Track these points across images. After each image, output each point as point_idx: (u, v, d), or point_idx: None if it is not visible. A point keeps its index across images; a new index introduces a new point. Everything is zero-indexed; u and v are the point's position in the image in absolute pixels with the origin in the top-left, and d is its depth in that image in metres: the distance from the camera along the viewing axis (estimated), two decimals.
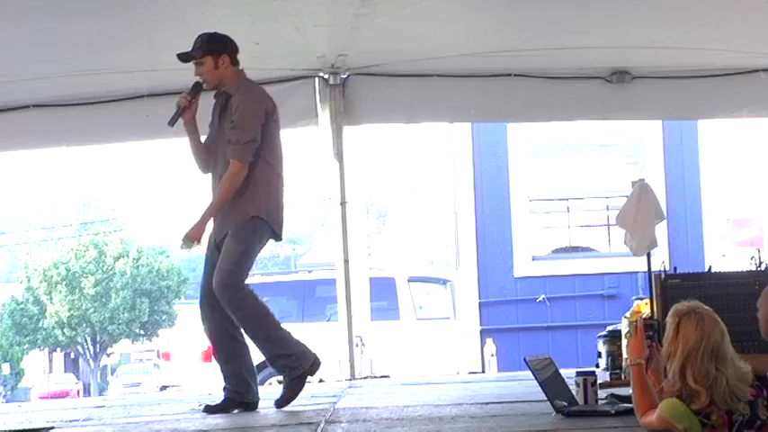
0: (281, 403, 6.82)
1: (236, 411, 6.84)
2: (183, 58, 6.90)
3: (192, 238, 6.79)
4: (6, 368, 45.64)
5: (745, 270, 8.07)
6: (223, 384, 6.98)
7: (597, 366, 8.88)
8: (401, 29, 8.69)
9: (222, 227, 6.89)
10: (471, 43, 9.25)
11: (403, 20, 8.42)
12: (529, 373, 6.11)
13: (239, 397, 6.90)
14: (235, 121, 6.80)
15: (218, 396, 7.12)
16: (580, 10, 8.52)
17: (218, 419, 6.64)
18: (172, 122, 6.93)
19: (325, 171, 10.31)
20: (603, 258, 14.92)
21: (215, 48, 6.85)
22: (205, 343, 15.48)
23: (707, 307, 4.58)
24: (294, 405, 6.84)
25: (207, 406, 6.92)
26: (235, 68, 6.90)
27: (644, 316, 8.36)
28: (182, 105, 6.91)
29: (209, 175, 7.03)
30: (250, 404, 6.92)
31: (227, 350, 6.92)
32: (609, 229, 14.87)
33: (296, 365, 6.86)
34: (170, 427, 6.32)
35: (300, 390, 6.87)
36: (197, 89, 6.95)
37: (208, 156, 7.00)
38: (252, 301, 6.82)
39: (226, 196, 6.81)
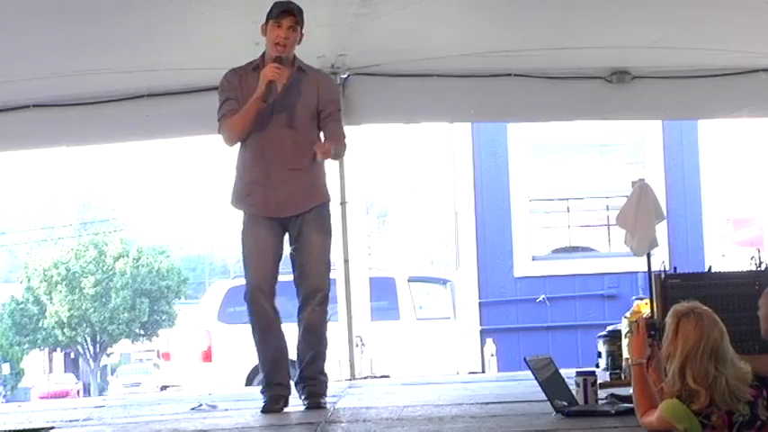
0: (318, 404, 6.71)
1: (286, 405, 6.73)
2: (294, 11, 6.55)
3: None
4: (6, 368, 45.64)
5: (745, 270, 8.06)
6: (267, 386, 6.76)
7: (597, 366, 8.88)
8: (401, 29, 8.69)
9: (288, 203, 6.66)
10: (471, 43, 9.25)
11: (403, 20, 8.42)
12: (529, 373, 6.11)
13: (285, 390, 6.77)
14: (337, 103, 6.89)
15: (218, 397, 7.11)
16: (580, 10, 8.51)
17: (217, 419, 6.64)
18: (270, 98, 6.54)
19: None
20: (603, 258, 14.93)
21: (303, 23, 6.66)
22: (205, 343, 15.61)
23: (706, 307, 4.59)
24: (294, 405, 6.83)
25: (263, 407, 6.67)
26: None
27: (644, 316, 8.36)
28: (276, 78, 6.52)
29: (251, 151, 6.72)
30: (288, 396, 6.80)
31: (279, 343, 6.75)
32: (609, 229, 14.88)
33: (324, 390, 6.84)
34: (170, 427, 6.31)
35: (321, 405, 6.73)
36: (281, 60, 6.59)
37: (250, 128, 6.67)
38: None
39: (339, 151, 6.86)
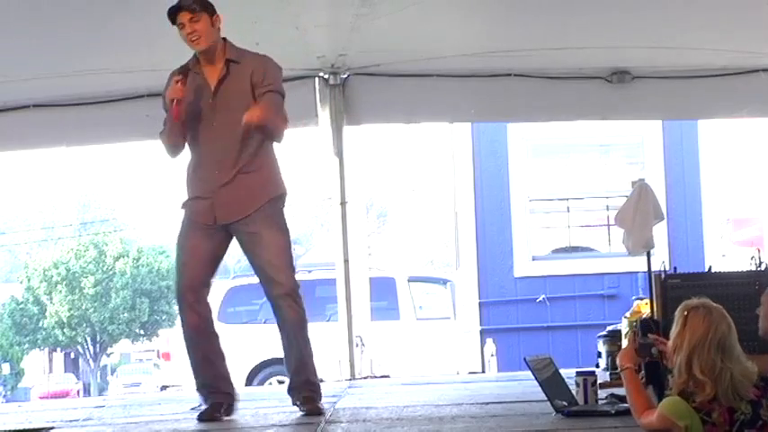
0: (315, 410, 6.44)
1: (229, 413, 6.53)
2: (175, 10, 6.28)
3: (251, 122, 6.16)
4: (6, 368, 45.64)
5: (745, 270, 8.06)
6: (204, 390, 6.53)
7: (597, 366, 8.89)
8: (401, 29, 8.70)
9: (234, 208, 6.39)
10: (471, 43, 9.26)
11: (403, 20, 8.43)
12: (529, 373, 6.12)
13: (228, 399, 6.56)
14: (272, 84, 6.40)
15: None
16: (580, 10, 8.52)
17: (218, 419, 6.62)
18: (178, 117, 6.31)
19: (325, 171, 10.31)
20: (603, 258, 14.93)
21: (210, 5, 6.35)
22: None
23: (716, 303, 4.62)
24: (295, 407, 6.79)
25: (200, 414, 6.51)
26: (223, 38, 6.44)
27: (643, 316, 8.35)
28: (180, 96, 6.29)
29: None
30: (233, 402, 6.59)
31: (210, 347, 6.53)
32: (609, 229, 14.88)
33: (319, 394, 6.58)
34: (170, 428, 6.32)
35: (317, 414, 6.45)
36: (185, 71, 6.36)
37: (182, 137, 6.46)
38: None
39: (278, 125, 6.38)
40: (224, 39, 6.46)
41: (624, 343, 8.23)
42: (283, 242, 6.46)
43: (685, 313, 4.55)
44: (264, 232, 6.41)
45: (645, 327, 5.17)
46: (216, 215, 6.43)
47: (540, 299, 14.58)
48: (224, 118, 6.38)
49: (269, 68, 6.48)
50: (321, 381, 6.79)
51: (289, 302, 6.42)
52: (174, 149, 6.55)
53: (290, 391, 6.61)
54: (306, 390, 6.52)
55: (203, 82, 6.44)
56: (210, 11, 6.35)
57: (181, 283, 6.54)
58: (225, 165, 6.38)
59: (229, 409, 6.56)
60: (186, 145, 6.52)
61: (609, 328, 9.21)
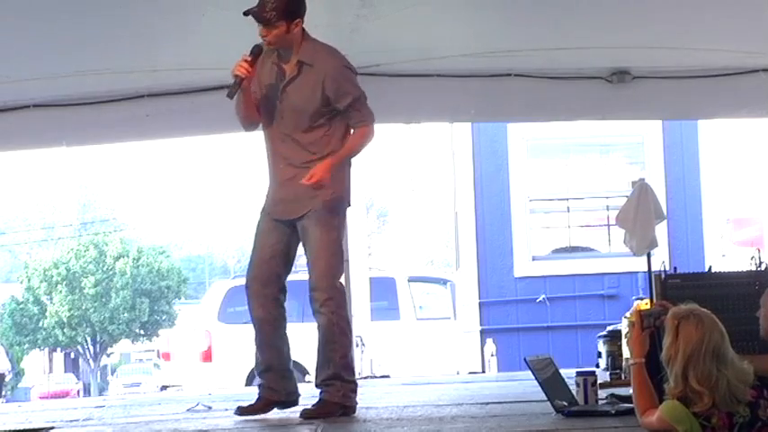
0: (307, 414, 6.31)
1: (272, 411, 6.51)
2: (254, 16, 6.30)
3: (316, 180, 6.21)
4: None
5: (745, 270, 8.05)
6: (258, 382, 6.63)
7: (597, 366, 8.90)
8: (401, 29, 8.69)
9: (296, 204, 6.40)
10: (472, 43, 9.25)
11: (403, 20, 8.43)
12: (529, 373, 6.12)
13: (274, 395, 6.54)
14: (350, 92, 6.38)
15: (218, 397, 7.09)
16: (580, 10, 8.52)
17: (217, 419, 6.64)
18: (231, 95, 6.33)
19: None
20: (603, 258, 14.96)
21: (291, 12, 6.28)
22: (205, 343, 15.62)
23: (705, 309, 4.59)
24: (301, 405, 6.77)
25: (239, 407, 6.53)
26: (302, 30, 6.42)
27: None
28: (242, 75, 6.29)
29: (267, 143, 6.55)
30: (287, 403, 6.57)
31: (270, 339, 6.51)
32: (609, 229, 14.91)
33: (351, 395, 6.45)
34: (170, 427, 6.32)
35: (328, 415, 6.31)
36: (257, 53, 6.41)
37: (256, 115, 6.51)
38: (346, 303, 6.54)
39: (354, 151, 6.41)
40: (303, 36, 6.43)
41: (624, 342, 8.22)
42: (327, 244, 6.39)
43: (676, 323, 4.52)
44: (312, 229, 6.40)
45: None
46: (278, 210, 6.49)
47: (540, 299, 14.59)
48: (290, 116, 6.42)
49: (343, 75, 6.45)
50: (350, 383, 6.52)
51: (317, 306, 6.41)
52: (242, 124, 6.60)
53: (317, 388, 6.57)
54: (324, 390, 6.43)
55: (278, 76, 6.46)
56: (291, 17, 6.32)
57: (248, 274, 6.58)
58: (290, 161, 6.44)
59: (276, 405, 6.53)
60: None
61: (609, 328, 9.21)
